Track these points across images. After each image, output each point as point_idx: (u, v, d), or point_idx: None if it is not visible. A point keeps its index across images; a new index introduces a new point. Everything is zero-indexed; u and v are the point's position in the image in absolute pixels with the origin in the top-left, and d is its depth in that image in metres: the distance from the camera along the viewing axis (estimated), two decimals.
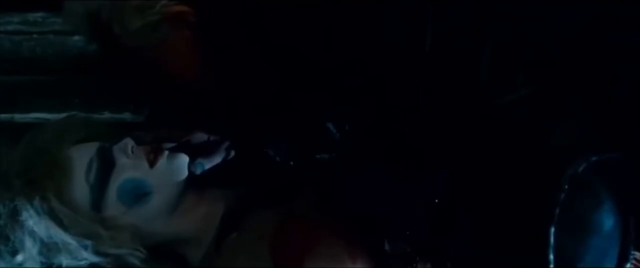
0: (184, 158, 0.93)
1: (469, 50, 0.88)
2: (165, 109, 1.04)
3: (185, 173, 0.93)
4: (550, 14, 0.89)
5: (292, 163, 0.94)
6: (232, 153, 0.98)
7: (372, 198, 0.89)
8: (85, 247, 0.89)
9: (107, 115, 1.09)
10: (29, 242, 0.88)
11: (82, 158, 0.92)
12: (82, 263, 0.88)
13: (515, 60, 0.89)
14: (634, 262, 0.84)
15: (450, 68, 0.89)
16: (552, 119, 0.89)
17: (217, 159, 0.96)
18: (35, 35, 1.16)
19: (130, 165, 0.92)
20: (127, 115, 1.09)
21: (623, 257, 0.82)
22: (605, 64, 0.92)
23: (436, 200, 0.87)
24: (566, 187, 0.81)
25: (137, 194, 0.92)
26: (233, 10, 0.89)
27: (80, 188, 0.91)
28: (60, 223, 0.89)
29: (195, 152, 0.96)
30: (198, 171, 0.93)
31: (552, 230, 0.79)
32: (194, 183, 0.96)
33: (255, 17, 0.89)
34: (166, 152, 0.93)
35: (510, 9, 0.88)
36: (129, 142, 0.93)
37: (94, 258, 0.89)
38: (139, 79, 0.96)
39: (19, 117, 1.12)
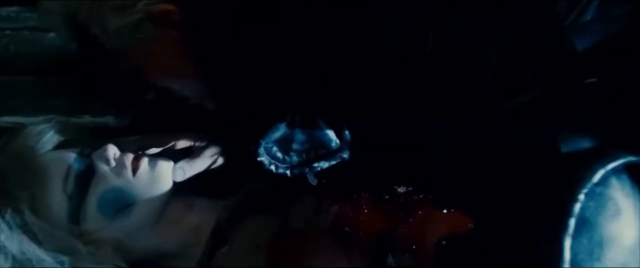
0: (168, 165, 0.91)
1: (474, 52, 0.86)
2: (151, 113, 1.01)
3: (170, 180, 0.91)
4: (557, 13, 0.86)
5: (288, 172, 0.90)
6: (220, 159, 0.95)
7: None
8: (62, 264, 0.85)
9: (87, 119, 1.05)
10: None
11: (59, 166, 0.89)
12: None
13: (522, 62, 0.86)
14: None
15: (455, 70, 0.87)
16: (564, 123, 0.86)
17: (202, 165, 0.93)
18: (8, 32, 1.12)
19: (112, 173, 0.89)
20: (109, 119, 1.05)
21: None
22: (617, 66, 0.88)
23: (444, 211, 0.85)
24: (582, 196, 0.77)
25: (119, 205, 0.89)
26: (223, 8, 0.86)
27: (57, 199, 0.88)
28: (34, 238, 0.86)
29: (180, 158, 0.93)
30: (180, 178, 0.91)
31: (568, 243, 0.76)
32: (181, 193, 0.93)
33: (247, 16, 0.86)
34: (146, 159, 0.90)
35: (515, 8, 0.85)
36: (110, 149, 0.90)
37: None
38: (122, 82, 0.94)
39: None
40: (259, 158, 0.89)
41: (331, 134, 0.90)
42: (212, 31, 0.87)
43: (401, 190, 0.87)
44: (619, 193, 0.80)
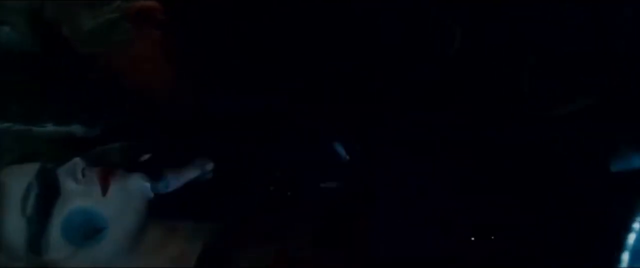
0: (144, 181, 0.87)
1: (507, 54, 0.82)
2: (127, 121, 0.97)
3: (146, 200, 0.87)
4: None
5: (289, 193, 0.88)
6: (209, 172, 0.92)
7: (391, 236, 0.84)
8: None
9: (50, 128, 0.98)
10: None
11: (17, 183, 0.85)
12: None
13: (568, 66, 0.82)
14: None
15: (486, 75, 0.83)
16: (618, 137, 0.82)
17: (186, 177, 0.90)
18: None
19: (79, 192, 0.85)
20: (76, 129, 0.99)
21: None
22: None
23: (473, 239, 0.81)
24: (637, 226, 0.73)
25: (87, 230, 0.85)
26: (214, 5, 0.82)
27: (14, 223, 0.84)
28: None
29: (159, 172, 0.90)
30: (161, 190, 0.88)
31: None
32: (161, 215, 0.90)
33: (242, 15, 0.82)
34: (119, 174, 0.87)
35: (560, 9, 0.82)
36: (78, 164, 0.86)
37: None
38: (94, 86, 0.90)
39: None
40: (254, 176, 0.87)
41: (340, 149, 0.88)
42: (201, 31, 0.83)
43: None
44: None
